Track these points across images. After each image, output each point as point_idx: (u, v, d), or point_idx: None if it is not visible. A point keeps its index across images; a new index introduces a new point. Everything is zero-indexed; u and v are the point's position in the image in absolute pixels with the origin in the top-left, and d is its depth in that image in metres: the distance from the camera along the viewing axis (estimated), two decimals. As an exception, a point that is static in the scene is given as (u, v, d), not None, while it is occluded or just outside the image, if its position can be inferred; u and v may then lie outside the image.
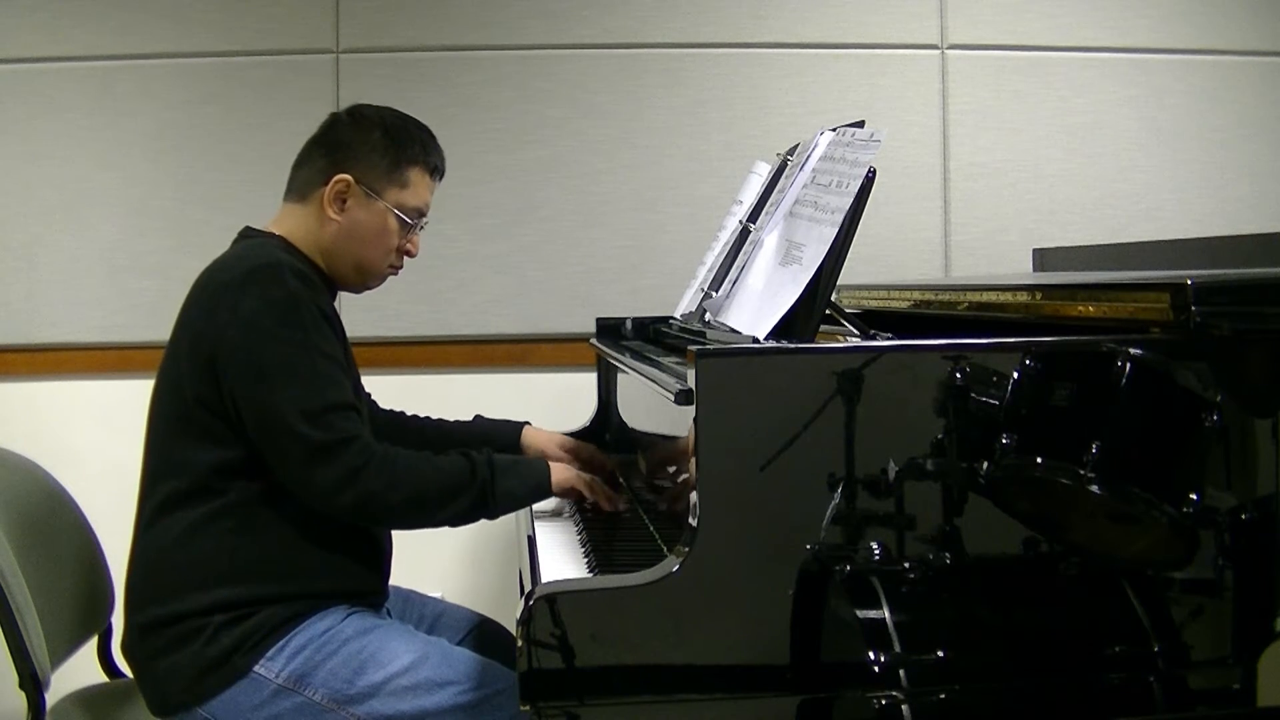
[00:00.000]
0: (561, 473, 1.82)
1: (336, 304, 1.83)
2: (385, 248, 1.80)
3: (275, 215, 1.81)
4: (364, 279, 1.83)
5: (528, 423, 2.16)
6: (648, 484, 1.99)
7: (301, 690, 1.61)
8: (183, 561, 1.64)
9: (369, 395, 2.01)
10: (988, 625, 1.43)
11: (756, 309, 1.58)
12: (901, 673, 1.37)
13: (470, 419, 2.16)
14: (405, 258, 1.85)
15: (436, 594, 2.18)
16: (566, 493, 1.85)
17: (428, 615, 1.98)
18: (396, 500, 1.62)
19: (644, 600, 1.35)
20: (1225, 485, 1.42)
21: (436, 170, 1.84)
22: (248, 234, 1.81)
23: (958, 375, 1.40)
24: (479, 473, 1.68)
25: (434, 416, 2.16)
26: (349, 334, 1.88)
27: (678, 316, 2.16)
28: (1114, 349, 1.38)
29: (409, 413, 2.16)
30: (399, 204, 1.78)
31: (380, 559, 1.81)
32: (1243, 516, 1.41)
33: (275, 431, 1.60)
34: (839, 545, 1.38)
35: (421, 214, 1.82)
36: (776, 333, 1.49)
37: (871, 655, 1.37)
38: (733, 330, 1.61)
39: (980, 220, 2.88)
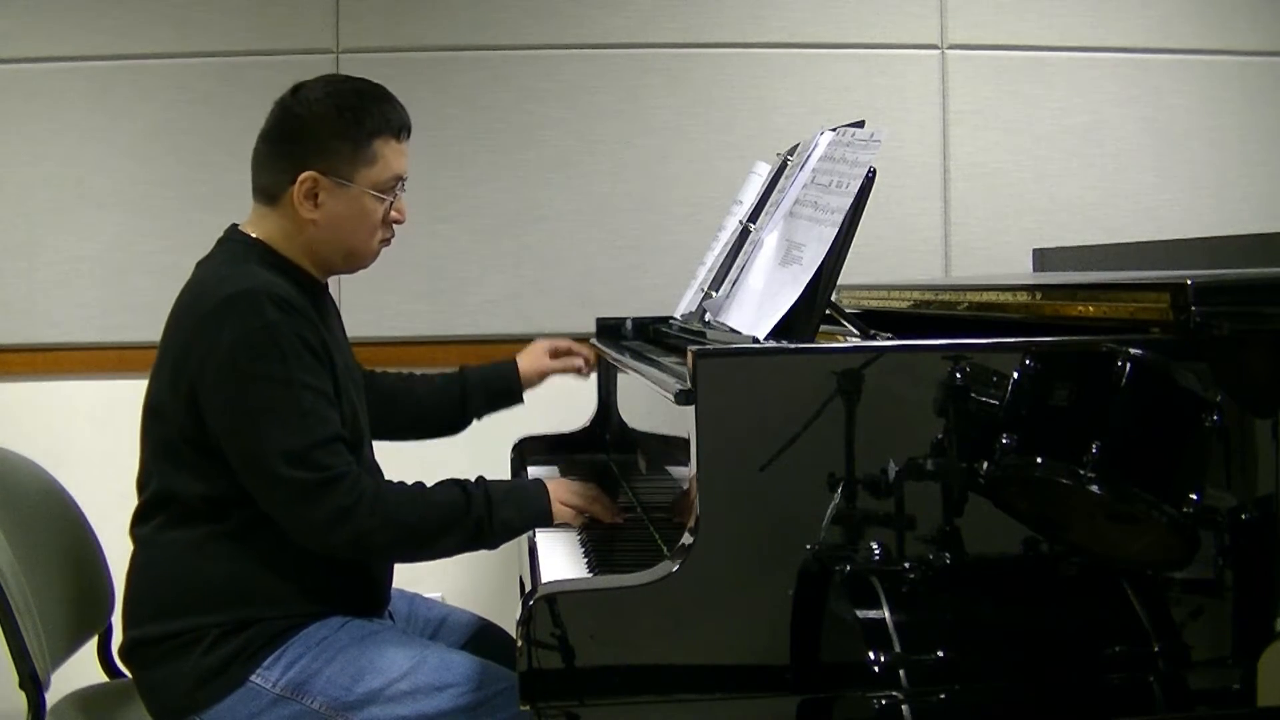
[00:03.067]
0: (562, 496, 1.76)
1: (337, 293, 1.80)
2: (370, 229, 1.72)
3: (250, 217, 1.74)
4: (356, 263, 1.77)
5: (514, 359, 2.17)
6: (647, 484, 1.99)
7: (300, 699, 1.60)
8: (182, 582, 1.64)
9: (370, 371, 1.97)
10: (988, 625, 1.43)
11: (756, 309, 1.58)
12: (901, 673, 1.37)
13: (456, 370, 2.15)
14: (396, 226, 1.76)
15: (436, 595, 2.18)
16: (569, 516, 1.78)
17: (432, 620, 1.97)
18: (389, 538, 1.60)
19: (644, 600, 1.35)
20: (1225, 485, 1.42)
21: (403, 130, 1.72)
22: (232, 235, 1.74)
23: (958, 375, 1.39)
24: (475, 508, 1.64)
25: (417, 373, 2.16)
26: (349, 334, 1.87)
27: (678, 316, 2.16)
28: (1114, 349, 1.38)
29: (392, 372, 2.13)
30: (374, 183, 1.68)
31: (383, 576, 1.81)
32: (1243, 516, 1.41)
33: (261, 474, 1.57)
34: (839, 545, 1.38)
35: (400, 179, 1.73)
36: (776, 333, 1.49)
37: (871, 655, 1.37)
38: (733, 330, 1.61)
39: (980, 220, 2.88)
